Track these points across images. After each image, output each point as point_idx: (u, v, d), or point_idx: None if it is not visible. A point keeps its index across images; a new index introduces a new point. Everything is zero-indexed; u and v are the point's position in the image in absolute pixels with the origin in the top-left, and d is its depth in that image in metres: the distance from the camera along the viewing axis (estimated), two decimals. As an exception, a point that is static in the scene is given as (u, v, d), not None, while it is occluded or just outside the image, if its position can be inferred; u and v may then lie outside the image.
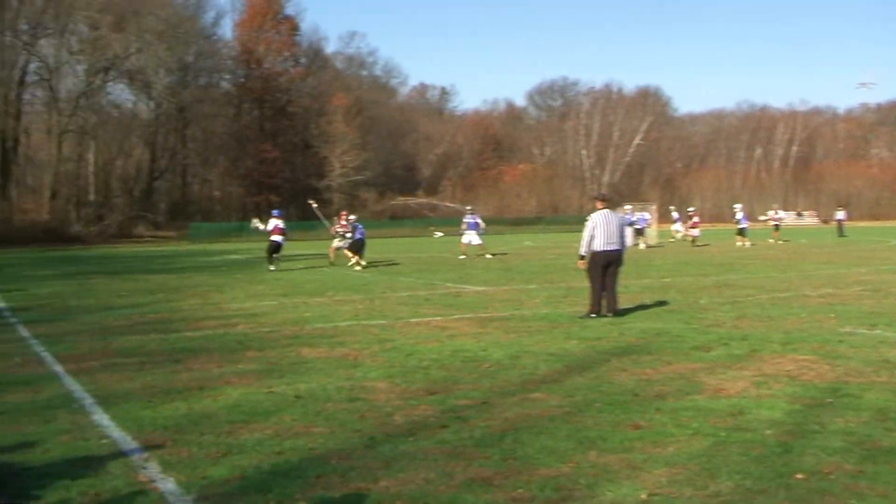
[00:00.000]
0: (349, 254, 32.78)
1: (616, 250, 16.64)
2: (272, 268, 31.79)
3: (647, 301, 19.17)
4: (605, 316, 16.26)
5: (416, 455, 7.34)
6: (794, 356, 11.86)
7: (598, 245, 16.62)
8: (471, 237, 38.46)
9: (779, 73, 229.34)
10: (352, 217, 34.02)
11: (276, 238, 32.03)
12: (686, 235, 49.92)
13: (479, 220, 39.17)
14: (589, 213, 17.28)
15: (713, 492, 6.37)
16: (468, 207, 41.99)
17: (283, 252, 33.28)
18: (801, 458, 7.11)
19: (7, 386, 10.47)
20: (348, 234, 33.13)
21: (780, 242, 49.39)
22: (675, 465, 6.96)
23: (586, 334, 14.25)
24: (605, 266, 16.57)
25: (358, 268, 31.93)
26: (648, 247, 45.84)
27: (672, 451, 7.34)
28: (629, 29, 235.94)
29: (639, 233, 45.55)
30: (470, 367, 11.40)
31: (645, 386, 9.98)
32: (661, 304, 18.61)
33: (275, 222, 32.06)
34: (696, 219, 49.32)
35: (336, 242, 34.00)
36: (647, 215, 48.39)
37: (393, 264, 34.72)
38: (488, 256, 37.47)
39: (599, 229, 16.58)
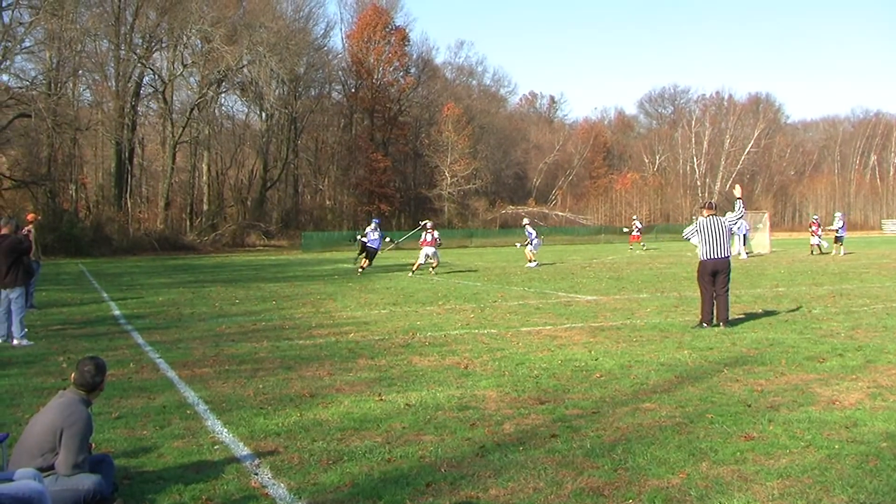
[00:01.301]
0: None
1: (722, 258, 16.56)
2: (355, 265, 38.16)
3: (760, 311, 18.91)
4: (717, 325, 16.12)
5: (526, 464, 7.38)
6: (911, 367, 11.65)
7: (704, 253, 16.62)
8: (529, 247, 39.93)
9: (894, 78, 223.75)
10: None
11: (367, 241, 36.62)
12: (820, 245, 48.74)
13: (533, 232, 40.31)
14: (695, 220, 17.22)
15: (827, 505, 6.31)
16: (525, 221, 42.81)
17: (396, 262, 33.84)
18: (918, 472, 7.00)
19: (123, 392, 10.74)
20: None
21: None
22: (788, 478, 6.89)
23: (698, 344, 14.14)
24: (713, 274, 16.49)
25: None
26: (748, 255, 45.12)
27: (785, 464, 7.26)
28: (740, 35, 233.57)
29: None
30: (581, 376, 11.39)
31: (757, 397, 9.88)
32: (774, 313, 18.35)
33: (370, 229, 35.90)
34: (813, 227, 48.55)
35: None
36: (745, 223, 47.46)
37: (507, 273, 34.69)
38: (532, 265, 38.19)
39: (702, 236, 16.62)
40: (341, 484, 6.97)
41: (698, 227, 16.79)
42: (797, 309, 19.09)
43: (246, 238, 78.10)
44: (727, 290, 16.63)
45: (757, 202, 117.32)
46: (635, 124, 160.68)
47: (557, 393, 10.31)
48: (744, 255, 44.09)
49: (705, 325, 16.26)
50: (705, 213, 17.06)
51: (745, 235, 46.23)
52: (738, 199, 17.35)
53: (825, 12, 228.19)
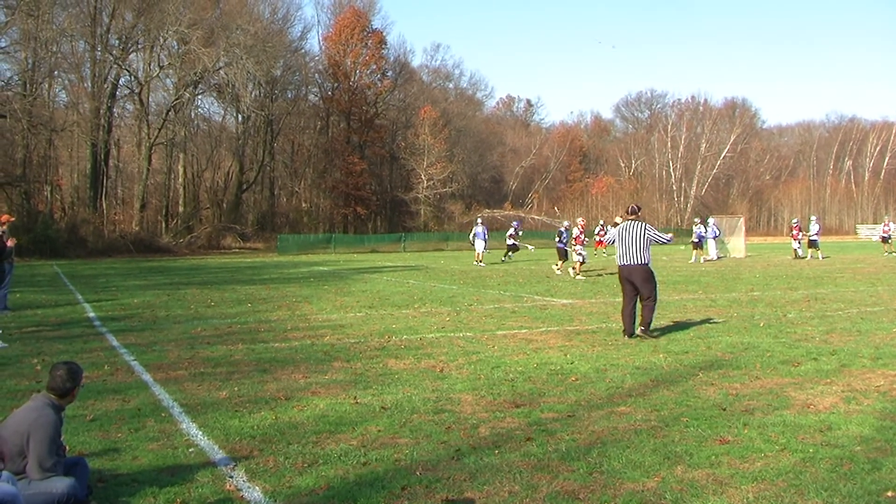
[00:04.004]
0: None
1: (635, 265, 15.86)
2: (504, 258, 47.14)
3: (735, 315, 18.96)
4: (637, 336, 15.47)
5: (502, 468, 7.37)
6: (884, 371, 11.70)
7: (618, 258, 16.17)
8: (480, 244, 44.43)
9: (870, 84, 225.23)
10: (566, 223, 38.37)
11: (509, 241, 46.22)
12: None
13: (485, 230, 45.56)
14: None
15: (801, 508, 6.33)
16: (478, 218, 46.49)
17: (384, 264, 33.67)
18: (891, 476, 7.02)
19: (97, 394, 10.66)
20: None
21: (893, 255, 49.90)
22: (763, 481, 6.90)
23: (673, 348, 14.16)
24: (631, 282, 15.93)
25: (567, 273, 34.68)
26: (706, 260, 45.41)
27: (760, 467, 7.28)
28: (716, 40, 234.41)
29: (696, 246, 45.57)
30: (556, 379, 11.39)
31: (732, 400, 9.90)
32: (749, 317, 18.39)
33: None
34: (794, 231, 48.91)
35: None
36: (703, 229, 47.43)
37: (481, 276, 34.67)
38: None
39: (619, 242, 16.08)
40: (317, 487, 6.94)
41: (617, 233, 16.24)
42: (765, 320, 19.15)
43: (221, 240, 77.84)
44: (652, 299, 15.88)
45: (732, 207, 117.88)
46: (611, 128, 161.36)
47: (533, 396, 10.31)
48: (701, 259, 44.54)
49: (626, 336, 15.55)
50: (626, 217, 16.36)
51: (714, 239, 46.85)
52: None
53: (801, 18, 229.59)
